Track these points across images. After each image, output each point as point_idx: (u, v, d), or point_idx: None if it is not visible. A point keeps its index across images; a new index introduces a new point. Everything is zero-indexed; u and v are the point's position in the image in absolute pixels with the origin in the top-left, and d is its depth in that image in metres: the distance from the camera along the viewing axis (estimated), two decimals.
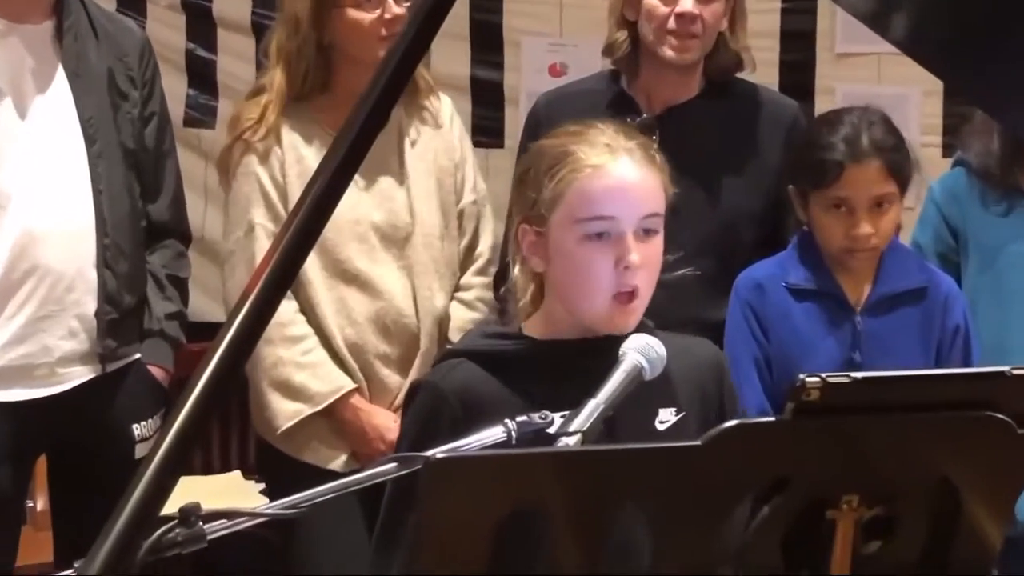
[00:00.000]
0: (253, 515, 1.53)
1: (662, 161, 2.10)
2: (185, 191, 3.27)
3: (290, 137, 3.03)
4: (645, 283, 2.05)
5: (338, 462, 3.04)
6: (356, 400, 3.04)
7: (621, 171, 2.05)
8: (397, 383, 3.07)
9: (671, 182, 2.11)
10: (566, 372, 1.98)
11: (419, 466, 1.53)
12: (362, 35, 2.96)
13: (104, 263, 2.97)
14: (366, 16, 2.96)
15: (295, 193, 3.00)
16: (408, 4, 2.96)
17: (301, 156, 3.02)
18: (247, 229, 3.03)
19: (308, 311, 3.02)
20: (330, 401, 3.01)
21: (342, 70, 3.02)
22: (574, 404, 1.80)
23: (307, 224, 1.39)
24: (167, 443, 1.27)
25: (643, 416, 2.06)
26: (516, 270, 2.15)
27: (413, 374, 3.03)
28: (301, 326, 3.00)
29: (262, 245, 3.01)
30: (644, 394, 1.97)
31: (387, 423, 3.04)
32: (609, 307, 2.03)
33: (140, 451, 3.05)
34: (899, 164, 2.81)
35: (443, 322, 3.10)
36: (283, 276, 1.39)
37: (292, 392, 3.01)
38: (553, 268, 2.09)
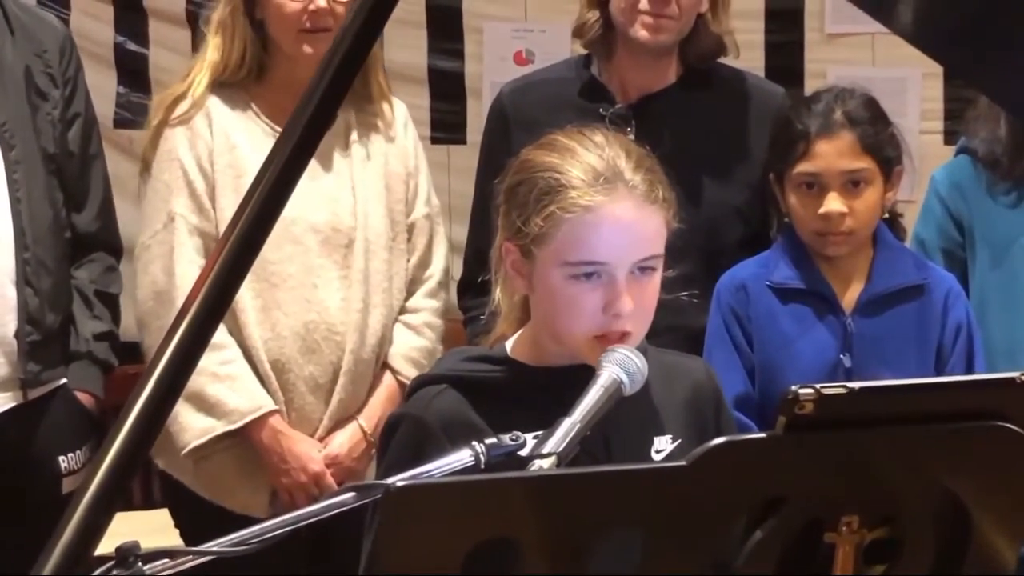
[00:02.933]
0: (199, 553, 1.52)
1: (667, 195, 2.05)
2: (115, 199, 3.26)
3: (221, 123, 3.02)
4: (638, 325, 2.02)
5: (258, 507, 2.97)
6: (276, 422, 2.98)
7: (616, 213, 2.00)
8: (319, 413, 3.02)
9: (674, 217, 2.06)
10: (558, 402, 1.90)
11: (379, 495, 1.53)
12: (285, 22, 2.98)
13: (24, 279, 2.96)
14: (290, 3, 2.97)
15: (223, 185, 2.98)
16: (342, 1, 2.97)
17: (233, 145, 3.01)
18: (166, 220, 2.99)
19: (228, 318, 2.93)
20: (247, 420, 2.95)
21: (277, 58, 3.04)
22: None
23: (255, 225, 1.39)
24: (101, 473, 1.26)
25: (638, 446, 2.06)
26: (499, 288, 2.14)
27: (336, 397, 3.01)
28: (221, 333, 2.91)
29: (182, 239, 2.97)
30: (637, 422, 1.97)
31: (311, 452, 2.99)
32: (590, 345, 2.00)
33: (68, 485, 3.04)
34: (874, 139, 2.84)
35: (378, 342, 3.05)
36: (227, 286, 1.39)
37: (205, 405, 2.94)
38: (537, 298, 2.07)
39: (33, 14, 3.18)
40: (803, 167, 2.84)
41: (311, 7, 2.96)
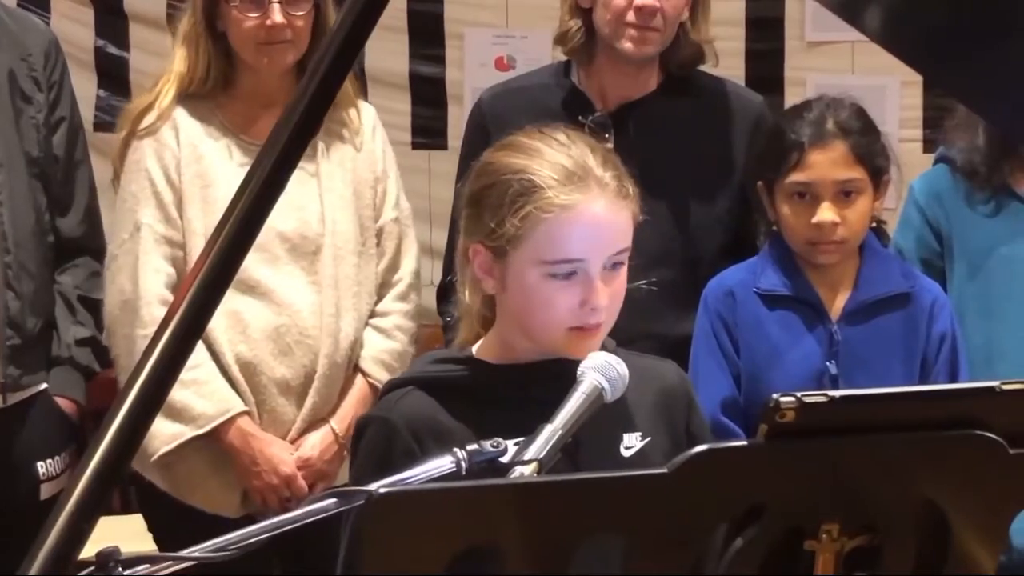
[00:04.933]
0: (179, 559, 1.52)
1: (633, 189, 2.09)
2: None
3: (188, 134, 3.04)
4: (610, 316, 2.07)
5: (230, 506, 2.99)
6: (245, 423, 2.99)
7: (592, 211, 2.03)
8: (292, 415, 3.04)
9: (640, 210, 2.10)
10: (524, 399, 1.99)
11: (361, 502, 1.53)
12: (244, 36, 3.01)
13: (6, 283, 2.95)
14: (247, 19, 2.99)
15: (191, 195, 3.01)
16: (299, 13, 3.00)
17: (200, 155, 3.03)
18: (132, 230, 3.01)
19: None
20: (215, 424, 2.96)
21: (241, 69, 3.07)
22: (532, 432, 1.80)
23: (242, 228, 1.40)
24: (86, 479, 1.26)
25: (607, 442, 2.08)
26: (465, 290, 2.15)
27: (310, 400, 3.02)
28: None
29: (148, 248, 2.99)
30: (607, 419, 1.98)
31: (282, 455, 3.00)
32: (565, 337, 2.05)
33: (45, 491, 3.03)
34: (866, 149, 2.85)
35: (351, 346, 3.07)
36: (211, 291, 1.39)
37: (172, 412, 2.95)
38: (510, 296, 2.09)
39: (19, 17, 3.18)
40: (796, 177, 2.84)
41: (267, 22, 2.98)
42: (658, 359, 2.25)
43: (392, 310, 3.15)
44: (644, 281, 2.21)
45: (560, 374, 1.95)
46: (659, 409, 2.16)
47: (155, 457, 2.95)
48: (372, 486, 1.54)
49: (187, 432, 2.96)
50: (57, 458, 3.06)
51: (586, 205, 2.03)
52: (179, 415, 2.96)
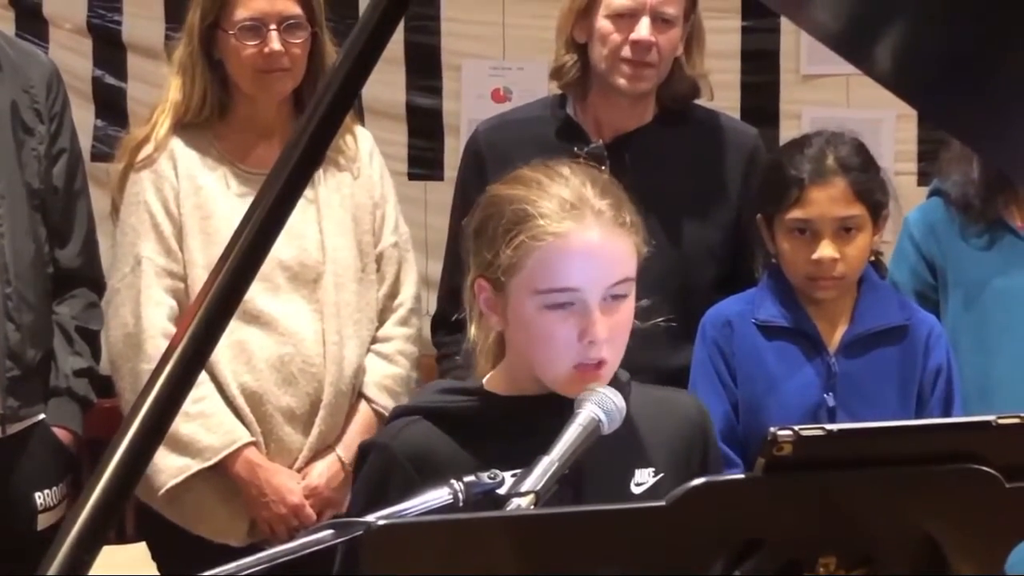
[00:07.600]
0: None
1: (634, 219, 2.07)
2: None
3: (186, 165, 3.05)
4: (613, 352, 2.04)
5: (237, 535, 3.00)
6: (252, 454, 3.00)
7: (586, 239, 2.01)
8: (299, 443, 3.04)
9: (644, 241, 2.08)
10: (529, 430, 1.96)
11: (359, 533, 1.53)
12: (241, 65, 3.02)
13: (6, 315, 2.95)
14: (245, 47, 3.00)
15: (191, 227, 3.02)
16: (296, 40, 3.01)
17: (199, 187, 3.04)
18: (133, 264, 3.02)
19: None
20: (221, 456, 2.97)
21: (238, 97, 3.08)
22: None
23: (247, 257, 1.40)
24: (88, 509, 1.26)
25: (618, 478, 2.07)
26: (473, 325, 2.15)
27: (316, 428, 3.03)
28: None
29: (149, 282, 2.99)
30: (619, 454, 1.98)
31: (289, 484, 3.01)
32: (570, 376, 2.02)
33: (43, 522, 3.03)
34: (866, 185, 2.85)
35: (355, 373, 3.07)
36: (215, 324, 1.39)
37: (178, 445, 2.96)
38: (512, 331, 2.08)
39: (22, 49, 3.19)
40: (796, 213, 2.85)
41: (266, 50, 2.99)
42: (677, 391, 2.25)
43: (394, 335, 3.16)
44: (661, 319, 2.20)
45: (566, 406, 1.94)
46: (676, 443, 2.14)
47: (163, 491, 2.96)
48: (370, 517, 1.54)
49: (194, 465, 2.97)
50: (55, 488, 3.06)
51: (579, 233, 2.01)
52: (185, 448, 2.96)
